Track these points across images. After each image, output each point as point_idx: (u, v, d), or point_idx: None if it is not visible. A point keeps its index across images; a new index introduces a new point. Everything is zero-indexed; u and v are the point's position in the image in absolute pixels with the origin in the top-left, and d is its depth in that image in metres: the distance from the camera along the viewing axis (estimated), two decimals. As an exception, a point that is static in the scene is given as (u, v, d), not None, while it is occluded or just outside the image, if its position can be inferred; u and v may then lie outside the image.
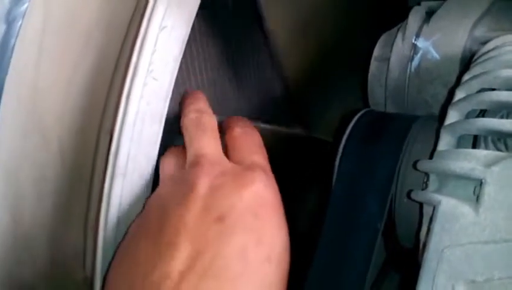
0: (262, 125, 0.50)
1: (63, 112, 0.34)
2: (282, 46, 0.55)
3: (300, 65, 0.59)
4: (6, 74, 0.30)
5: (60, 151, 0.34)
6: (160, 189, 0.33)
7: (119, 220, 0.34)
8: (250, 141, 0.35)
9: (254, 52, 0.57)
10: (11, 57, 0.30)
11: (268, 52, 0.57)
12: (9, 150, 0.31)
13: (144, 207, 0.33)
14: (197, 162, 0.32)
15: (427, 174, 0.34)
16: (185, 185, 0.31)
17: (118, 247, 0.33)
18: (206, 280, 0.26)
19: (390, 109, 0.50)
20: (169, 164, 0.34)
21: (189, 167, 0.32)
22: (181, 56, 0.36)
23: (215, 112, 0.38)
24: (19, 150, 0.32)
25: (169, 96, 0.36)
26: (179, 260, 0.27)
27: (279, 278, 0.28)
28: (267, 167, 0.33)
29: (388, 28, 0.55)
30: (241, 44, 0.55)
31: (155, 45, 0.34)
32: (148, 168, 0.35)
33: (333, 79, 0.62)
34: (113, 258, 0.33)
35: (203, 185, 0.30)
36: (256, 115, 0.53)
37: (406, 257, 0.50)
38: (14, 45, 0.30)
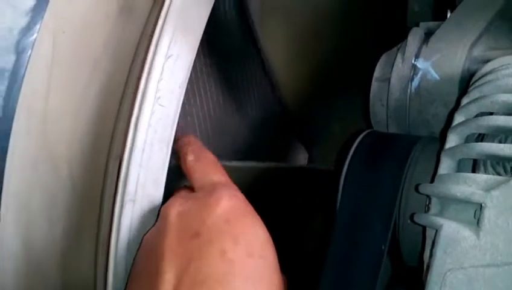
0: (261, 165, 0.51)
1: (72, 140, 0.34)
2: (281, 68, 0.56)
3: (299, 85, 0.59)
4: (16, 103, 0.31)
5: (70, 178, 0.35)
6: (144, 237, 0.35)
7: (129, 245, 0.35)
8: (204, 165, 0.37)
9: (253, 76, 0.57)
10: (20, 87, 0.31)
11: (267, 76, 0.58)
12: (21, 179, 0.32)
13: (133, 263, 0.34)
14: (167, 203, 0.35)
15: (429, 197, 0.34)
16: (159, 221, 0.34)
17: None
18: (196, 288, 0.28)
19: (392, 128, 0.51)
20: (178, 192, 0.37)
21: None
22: (186, 82, 0.37)
23: (215, 137, 0.39)
24: (30, 178, 0.33)
25: (176, 122, 0.36)
26: (166, 283, 0.29)
27: (266, 269, 0.30)
28: (226, 180, 0.36)
29: (387, 47, 0.56)
30: (241, 69, 0.56)
31: (162, 74, 0.35)
32: (156, 194, 0.35)
33: (333, 98, 0.63)
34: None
35: (171, 213, 0.33)
36: (256, 138, 0.53)
37: (412, 275, 0.51)
38: (24, 74, 0.31)
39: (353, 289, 0.37)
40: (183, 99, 0.37)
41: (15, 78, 0.32)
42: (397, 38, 0.55)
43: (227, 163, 0.45)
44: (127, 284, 0.34)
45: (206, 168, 0.37)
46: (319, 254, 0.42)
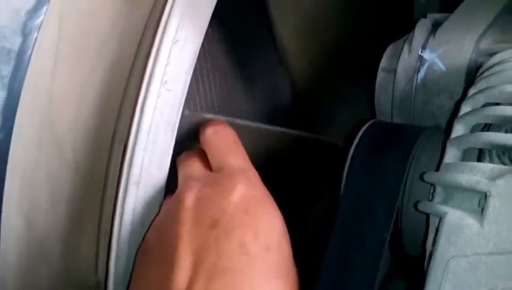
0: (270, 127, 0.50)
1: (77, 121, 0.34)
2: (291, 51, 0.56)
3: (309, 70, 0.59)
4: (22, 84, 0.31)
5: (74, 159, 0.35)
6: (155, 219, 0.34)
7: (133, 227, 0.35)
8: (223, 143, 0.35)
9: (263, 57, 0.57)
10: (27, 68, 0.31)
11: (277, 58, 0.58)
12: (25, 159, 0.32)
13: (143, 238, 0.34)
14: (182, 183, 0.34)
15: (433, 186, 0.35)
16: (174, 204, 0.32)
17: (129, 277, 0.34)
18: (215, 281, 0.28)
19: (397, 119, 0.51)
20: (167, 197, 0.36)
21: (177, 190, 0.34)
22: (193, 67, 0.37)
23: (224, 113, 0.39)
24: (34, 158, 0.32)
25: (182, 106, 0.36)
26: (182, 273, 0.28)
27: (284, 264, 0.29)
28: (246, 164, 0.34)
29: (394, 38, 0.56)
30: (251, 50, 0.55)
31: (168, 58, 0.35)
32: (160, 177, 0.35)
33: (341, 84, 0.63)
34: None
35: (188, 199, 0.31)
36: (264, 118, 0.53)
37: (412, 265, 0.51)
38: (30, 56, 0.31)
39: (354, 276, 0.37)
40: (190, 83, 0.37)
41: (21, 60, 0.32)
42: (405, 29, 0.55)
43: (239, 121, 0.44)
44: (133, 266, 0.34)
45: (226, 145, 0.35)
46: (319, 241, 0.42)
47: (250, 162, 0.35)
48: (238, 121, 0.44)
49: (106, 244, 0.36)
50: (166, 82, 0.35)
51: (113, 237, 0.35)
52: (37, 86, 0.32)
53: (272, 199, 0.32)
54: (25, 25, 0.31)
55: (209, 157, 0.35)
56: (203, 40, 0.37)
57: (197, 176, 0.34)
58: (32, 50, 0.32)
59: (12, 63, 0.31)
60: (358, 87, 0.62)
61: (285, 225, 0.31)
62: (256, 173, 0.34)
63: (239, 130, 0.39)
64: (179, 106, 0.36)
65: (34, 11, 0.31)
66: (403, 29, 0.55)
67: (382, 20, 0.67)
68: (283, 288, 0.29)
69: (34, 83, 0.32)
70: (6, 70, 0.31)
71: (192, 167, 0.35)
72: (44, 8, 0.31)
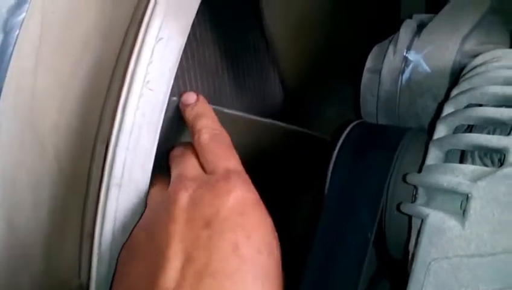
0: (259, 119, 0.50)
1: (59, 120, 0.34)
2: (282, 49, 0.55)
3: (299, 68, 0.59)
4: (3, 82, 0.31)
5: (57, 159, 0.34)
6: (145, 214, 0.34)
7: (115, 230, 0.34)
8: (219, 147, 0.35)
9: (253, 56, 0.57)
10: (8, 66, 0.31)
11: (268, 56, 0.57)
12: (7, 158, 0.31)
13: (130, 235, 0.33)
14: (176, 182, 0.33)
15: (416, 187, 0.35)
16: (167, 202, 0.32)
17: (112, 277, 0.33)
18: (204, 281, 0.27)
19: (382, 119, 0.51)
20: (155, 193, 0.35)
21: (170, 187, 0.33)
22: (177, 66, 0.36)
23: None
24: (16, 157, 0.32)
25: (165, 106, 0.36)
26: (171, 270, 0.28)
27: (273, 267, 0.29)
28: (240, 169, 0.34)
29: (380, 39, 0.56)
30: (241, 49, 0.55)
31: (151, 56, 0.34)
32: (143, 179, 0.35)
33: (331, 82, 0.63)
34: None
35: (183, 198, 0.31)
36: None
37: (396, 267, 0.51)
38: (11, 53, 0.31)
39: (338, 277, 0.37)
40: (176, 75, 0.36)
41: (2, 58, 0.31)
42: (390, 30, 0.55)
43: (228, 111, 0.43)
44: (117, 263, 0.33)
45: (221, 151, 0.35)
46: (306, 238, 0.42)
47: (242, 167, 0.35)
48: (227, 111, 0.43)
49: (89, 246, 0.35)
50: (148, 82, 0.35)
51: (95, 240, 0.34)
52: (19, 84, 0.31)
53: (263, 203, 0.32)
54: (6, 22, 0.30)
55: (202, 159, 0.35)
56: (191, 40, 0.36)
57: (191, 176, 0.34)
58: (13, 48, 0.31)
59: None
60: (347, 85, 0.62)
61: (275, 230, 0.32)
62: (248, 177, 0.34)
63: (228, 120, 0.38)
64: (161, 106, 0.36)
65: (16, 8, 0.31)
66: (389, 29, 0.55)
67: (370, 20, 0.67)
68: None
69: (15, 81, 0.31)
70: None
71: (187, 165, 0.35)
72: (26, 5, 0.30)
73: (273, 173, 0.53)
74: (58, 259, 0.35)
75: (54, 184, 0.34)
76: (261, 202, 0.32)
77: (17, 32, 0.31)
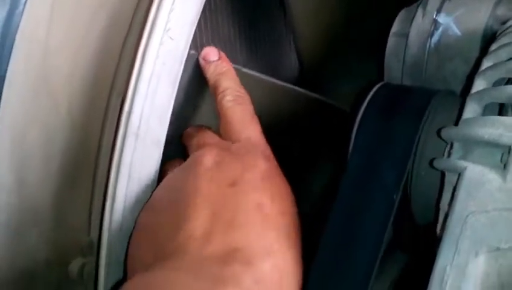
0: (277, 81, 0.49)
1: (73, 73, 0.33)
2: (300, 19, 0.55)
3: (317, 40, 0.58)
4: (16, 31, 0.29)
5: (69, 113, 0.33)
6: (166, 178, 0.34)
7: (130, 181, 0.33)
8: (242, 112, 0.35)
9: (270, 26, 0.56)
10: (22, 14, 0.29)
11: (286, 26, 0.56)
12: (18, 111, 0.30)
13: (150, 197, 0.33)
14: (198, 148, 0.34)
15: (450, 144, 0.33)
16: (191, 165, 0.32)
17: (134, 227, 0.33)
18: (231, 233, 0.28)
19: (407, 84, 0.49)
20: (171, 165, 0.36)
21: (192, 154, 0.34)
22: (198, 17, 0.35)
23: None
24: (28, 110, 0.31)
25: (185, 58, 0.35)
26: (199, 220, 0.28)
27: (295, 230, 0.30)
28: (261, 139, 0.35)
29: (406, 5, 0.54)
30: (257, 17, 0.54)
31: (173, 3, 0.33)
32: (160, 132, 0.34)
33: (349, 56, 0.62)
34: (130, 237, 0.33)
35: (208, 160, 0.32)
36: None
37: (416, 237, 0.50)
38: (25, 1, 0.29)
39: (360, 240, 0.36)
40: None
41: (16, 4, 0.30)
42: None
43: (246, 70, 0.43)
44: (138, 216, 0.33)
45: (244, 116, 0.35)
46: (315, 215, 0.40)
47: (262, 134, 0.35)
48: (245, 70, 0.42)
49: (100, 202, 0.34)
50: (169, 29, 0.33)
51: (109, 193, 0.33)
52: (33, 33, 0.30)
53: (282, 173, 0.33)
54: (21, -31, 0.29)
55: (224, 126, 0.35)
56: (205, 7, 0.35)
57: (213, 142, 0.34)
58: None
59: (7, 7, 0.29)
60: (365, 61, 0.61)
61: (294, 196, 0.32)
62: (269, 147, 0.34)
63: (245, 80, 0.37)
64: (181, 57, 0.35)
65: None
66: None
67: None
68: (293, 251, 0.29)
69: (29, 30, 0.30)
70: (0, 14, 0.29)
71: (205, 135, 0.36)
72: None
73: (291, 139, 0.52)
74: (68, 215, 0.34)
75: (65, 139, 0.33)
76: (281, 172, 0.33)
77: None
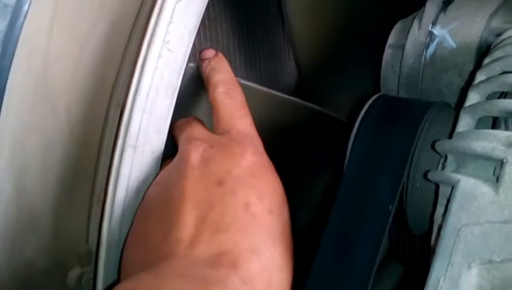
0: (274, 92, 0.49)
1: (73, 82, 0.33)
2: (298, 29, 0.55)
3: (315, 49, 0.58)
4: (18, 39, 0.30)
5: (68, 121, 0.33)
6: (156, 179, 0.33)
7: (128, 193, 0.33)
8: (233, 103, 0.35)
9: (269, 36, 0.56)
10: (23, 23, 0.30)
11: (284, 35, 0.56)
12: (18, 118, 0.30)
13: (143, 197, 0.33)
14: (185, 143, 0.33)
15: (444, 156, 0.34)
16: (179, 163, 0.32)
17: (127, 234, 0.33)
18: (218, 235, 0.27)
19: (403, 96, 0.50)
20: (167, 161, 0.35)
21: (180, 149, 0.33)
22: (196, 30, 0.36)
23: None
24: (27, 118, 0.31)
25: (183, 70, 0.35)
26: (187, 224, 0.28)
27: (283, 229, 0.30)
28: (252, 131, 0.34)
29: (403, 16, 0.55)
30: (256, 28, 0.54)
31: (172, 16, 0.34)
32: (158, 142, 0.34)
33: (347, 65, 0.62)
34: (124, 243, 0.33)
35: (194, 157, 0.31)
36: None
37: (411, 246, 0.50)
38: (27, 11, 0.30)
39: (357, 249, 0.36)
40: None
41: (17, 15, 0.30)
42: (414, 8, 0.54)
43: (243, 82, 0.43)
44: (132, 222, 0.33)
45: (236, 108, 0.34)
46: (311, 226, 0.41)
47: (254, 127, 0.34)
48: (243, 82, 0.43)
49: (99, 210, 0.34)
50: (168, 42, 0.34)
51: (107, 203, 0.33)
52: (34, 42, 0.30)
53: (274, 168, 0.32)
54: (22, -21, 0.30)
55: (215, 119, 0.35)
56: (204, 17, 0.36)
57: (201, 137, 0.33)
58: (29, 5, 0.30)
59: (8, 17, 0.30)
60: (363, 69, 0.61)
61: (284, 193, 0.32)
62: (260, 141, 0.34)
63: (243, 91, 0.38)
64: (180, 69, 0.35)
65: (33, -35, 0.30)
66: (411, 7, 0.54)
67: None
68: (281, 249, 0.29)
69: (30, 39, 0.30)
70: (2, 25, 0.30)
71: (193, 128, 0.35)
72: (43, -37, 0.30)
73: (289, 149, 0.52)
74: (66, 223, 0.34)
75: (64, 147, 0.34)
76: (273, 167, 0.32)
77: (33, -10, 0.30)
